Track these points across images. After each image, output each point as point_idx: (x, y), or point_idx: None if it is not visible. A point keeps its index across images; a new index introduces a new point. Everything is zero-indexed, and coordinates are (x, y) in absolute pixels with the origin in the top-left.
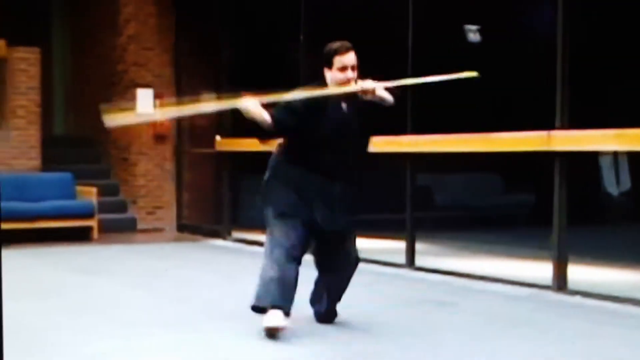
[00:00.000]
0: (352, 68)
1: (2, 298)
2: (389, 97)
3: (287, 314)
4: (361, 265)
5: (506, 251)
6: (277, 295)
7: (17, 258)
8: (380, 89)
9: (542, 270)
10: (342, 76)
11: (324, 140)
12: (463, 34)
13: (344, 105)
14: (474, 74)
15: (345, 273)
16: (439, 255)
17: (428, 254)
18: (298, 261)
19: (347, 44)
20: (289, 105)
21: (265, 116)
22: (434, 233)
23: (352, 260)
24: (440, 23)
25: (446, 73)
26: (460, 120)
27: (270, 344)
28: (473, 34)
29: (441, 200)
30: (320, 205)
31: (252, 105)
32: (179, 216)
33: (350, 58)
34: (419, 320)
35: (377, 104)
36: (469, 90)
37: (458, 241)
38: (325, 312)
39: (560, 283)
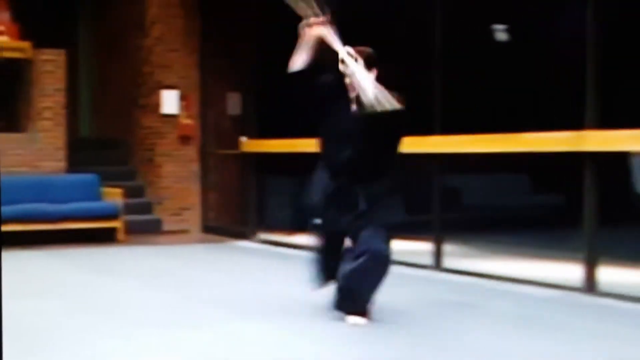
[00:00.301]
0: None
1: (2, 297)
2: (369, 93)
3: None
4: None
5: (535, 252)
6: None
7: (42, 259)
8: (363, 78)
9: (571, 272)
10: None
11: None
12: (491, 33)
13: (353, 107)
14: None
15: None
16: (467, 257)
17: (455, 255)
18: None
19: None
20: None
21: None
22: (461, 234)
23: (375, 254)
24: (468, 22)
25: (473, 73)
26: (489, 120)
27: (299, 345)
28: (501, 33)
29: (468, 201)
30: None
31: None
32: (205, 217)
33: None
34: (447, 322)
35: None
36: (498, 90)
37: (486, 242)
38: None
39: (590, 285)
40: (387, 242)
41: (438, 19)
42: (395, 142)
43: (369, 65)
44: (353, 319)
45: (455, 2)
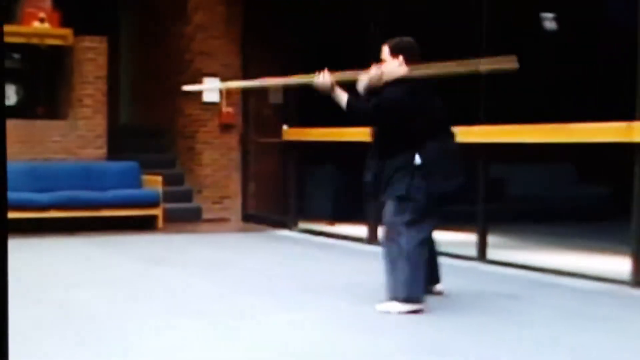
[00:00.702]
0: (380, 60)
1: (8, 287)
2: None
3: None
4: None
5: (581, 245)
6: None
7: (83, 246)
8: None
9: (619, 264)
10: None
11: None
12: (539, 22)
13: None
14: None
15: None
16: (512, 248)
17: (500, 246)
18: None
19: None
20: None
21: (342, 96)
22: (506, 225)
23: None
24: (515, 10)
25: (522, 61)
26: (535, 110)
27: (345, 335)
28: (549, 22)
29: (514, 192)
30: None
31: (328, 82)
32: (245, 206)
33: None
34: (493, 314)
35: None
36: (544, 79)
37: (531, 234)
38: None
39: (638, 278)
40: (395, 213)
41: (485, 5)
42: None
43: (394, 53)
44: (395, 306)
45: None
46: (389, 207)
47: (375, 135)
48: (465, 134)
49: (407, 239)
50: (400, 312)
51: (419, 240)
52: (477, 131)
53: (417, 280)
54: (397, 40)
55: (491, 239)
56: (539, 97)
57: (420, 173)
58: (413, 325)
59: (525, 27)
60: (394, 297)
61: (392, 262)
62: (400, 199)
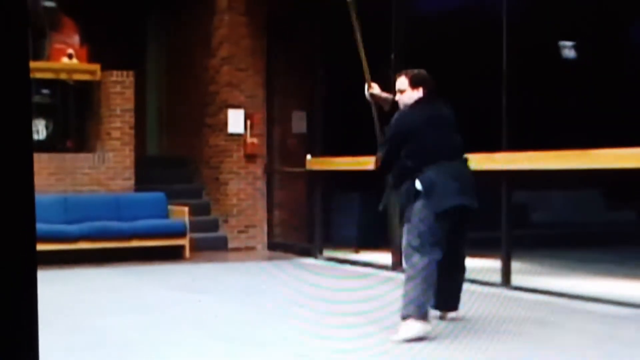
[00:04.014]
0: (399, 91)
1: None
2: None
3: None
4: None
5: (608, 270)
6: None
7: (113, 276)
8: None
9: None
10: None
11: None
12: (559, 50)
13: None
14: None
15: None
16: (536, 274)
17: (525, 272)
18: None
19: (402, 71)
20: None
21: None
22: (531, 251)
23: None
24: (535, 38)
25: (540, 90)
26: (558, 136)
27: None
28: (568, 50)
29: (538, 218)
30: None
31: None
32: (270, 234)
33: (397, 83)
34: (521, 341)
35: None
36: (566, 106)
37: (556, 260)
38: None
39: None
40: (407, 236)
41: (505, 34)
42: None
43: (415, 85)
44: (407, 325)
45: (522, 18)
46: (404, 232)
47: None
48: (488, 161)
49: (417, 259)
50: (408, 335)
51: (428, 261)
52: (500, 158)
53: (426, 298)
54: (416, 72)
55: (515, 265)
56: (562, 123)
57: (422, 197)
58: (440, 352)
59: (546, 54)
60: (404, 316)
61: (405, 283)
62: (410, 223)
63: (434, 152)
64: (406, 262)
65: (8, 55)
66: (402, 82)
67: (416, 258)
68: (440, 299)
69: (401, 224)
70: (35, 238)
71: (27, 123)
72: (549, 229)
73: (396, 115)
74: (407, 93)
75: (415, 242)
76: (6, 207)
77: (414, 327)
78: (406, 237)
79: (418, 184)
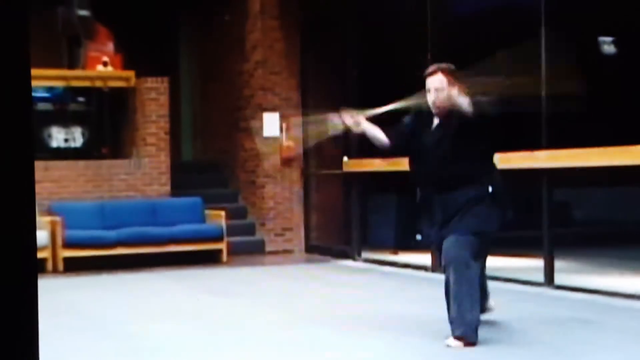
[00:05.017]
0: (436, 90)
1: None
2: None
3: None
4: (498, 284)
5: None
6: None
7: (151, 281)
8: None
9: None
10: (428, 98)
11: (424, 156)
12: (598, 46)
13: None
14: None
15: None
16: (579, 273)
17: (567, 271)
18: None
19: (434, 67)
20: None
21: (377, 133)
22: (573, 250)
23: (454, 263)
24: (575, 34)
25: (580, 87)
26: (599, 133)
27: None
28: (608, 45)
29: (580, 216)
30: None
31: (358, 121)
32: (308, 237)
33: (432, 81)
34: (565, 340)
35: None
36: (607, 102)
37: (599, 258)
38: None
39: None
40: (466, 248)
41: (543, 30)
42: (475, 149)
43: (453, 82)
44: (454, 343)
45: (561, 14)
46: (457, 241)
47: (432, 166)
48: (529, 160)
49: (476, 272)
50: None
51: (478, 272)
52: (540, 156)
53: (479, 316)
54: (451, 66)
55: (558, 263)
56: (603, 119)
57: (493, 203)
58: (485, 353)
59: (587, 50)
60: (462, 336)
61: (459, 298)
62: (475, 234)
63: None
64: (460, 275)
65: (9, 57)
66: (437, 80)
67: (474, 271)
68: None
69: (444, 230)
70: (35, 238)
71: (27, 125)
72: (591, 227)
73: (472, 114)
74: (453, 91)
75: (475, 251)
76: (6, 208)
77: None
78: (463, 247)
79: (490, 189)
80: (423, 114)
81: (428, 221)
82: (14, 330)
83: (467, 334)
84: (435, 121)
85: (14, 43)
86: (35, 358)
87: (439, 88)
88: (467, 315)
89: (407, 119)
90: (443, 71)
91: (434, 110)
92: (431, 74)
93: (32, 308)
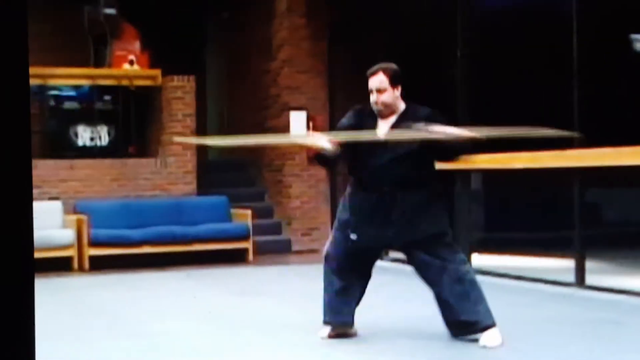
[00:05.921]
0: (378, 91)
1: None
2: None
3: (337, 328)
4: (528, 285)
5: None
6: (325, 310)
7: (176, 280)
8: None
9: None
10: (371, 98)
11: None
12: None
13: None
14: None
15: (442, 283)
16: (611, 274)
17: (599, 272)
18: (339, 275)
19: (376, 67)
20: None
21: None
22: (604, 250)
23: (449, 272)
24: (606, 33)
25: (611, 84)
26: (631, 132)
27: None
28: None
29: (611, 217)
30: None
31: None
32: None
33: (373, 81)
34: (597, 341)
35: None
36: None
37: (630, 258)
38: (449, 324)
39: None
40: (456, 249)
41: (575, 28)
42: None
43: (396, 83)
44: (492, 334)
45: (593, 10)
46: (446, 246)
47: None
48: (559, 159)
49: (469, 265)
50: (495, 344)
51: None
52: (572, 155)
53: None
54: (395, 67)
55: (589, 264)
56: (635, 118)
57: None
58: (517, 354)
59: (617, 47)
60: (487, 326)
61: (464, 294)
62: (446, 234)
63: None
64: (464, 268)
65: (8, 57)
66: (378, 80)
67: (470, 265)
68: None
69: (403, 231)
70: (33, 239)
71: (25, 124)
72: (622, 227)
73: (430, 112)
74: (394, 93)
75: (459, 249)
76: (6, 208)
77: (497, 335)
78: (454, 253)
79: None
80: (364, 112)
81: (367, 220)
82: (12, 330)
83: (491, 322)
84: (380, 121)
85: (14, 43)
86: (32, 359)
87: (380, 88)
88: (480, 305)
89: (344, 121)
90: (385, 71)
91: (375, 111)
92: (373, 74)
93: (29, 308)
